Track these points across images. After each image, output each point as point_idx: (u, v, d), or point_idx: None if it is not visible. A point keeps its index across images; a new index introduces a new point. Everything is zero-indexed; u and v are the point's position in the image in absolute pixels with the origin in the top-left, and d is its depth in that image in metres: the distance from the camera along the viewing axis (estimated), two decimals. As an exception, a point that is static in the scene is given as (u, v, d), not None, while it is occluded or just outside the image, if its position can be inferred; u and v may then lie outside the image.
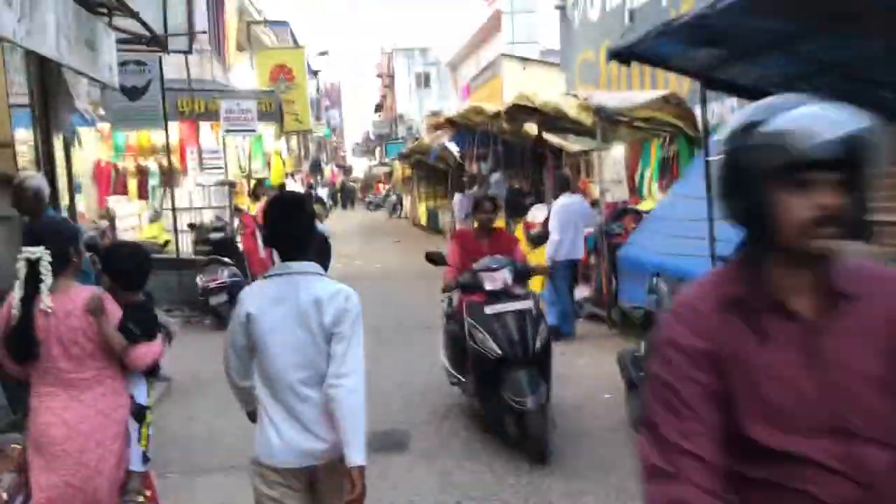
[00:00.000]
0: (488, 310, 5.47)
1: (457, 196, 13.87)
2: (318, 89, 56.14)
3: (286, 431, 2.78)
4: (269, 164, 22.18)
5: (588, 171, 12.90)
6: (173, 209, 11.37)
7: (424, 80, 60.75)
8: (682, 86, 10.33)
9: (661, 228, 8.10)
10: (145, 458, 3.54)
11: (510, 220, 13.16)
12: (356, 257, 18.91)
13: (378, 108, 70.06)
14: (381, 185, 49.03)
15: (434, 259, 6.52)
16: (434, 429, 5.96)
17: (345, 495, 2.67)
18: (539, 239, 10.26)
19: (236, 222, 13.76)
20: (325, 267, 11.27)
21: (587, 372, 7.26)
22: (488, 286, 5.59)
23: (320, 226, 11.68)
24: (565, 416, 5.95)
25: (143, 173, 16.10)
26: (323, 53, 39.94)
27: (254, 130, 15.13)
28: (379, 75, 70.31)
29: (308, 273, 2.90)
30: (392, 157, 40.10)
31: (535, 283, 11.64)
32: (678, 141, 9.62)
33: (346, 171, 68.04)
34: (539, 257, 11.43)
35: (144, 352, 3.41)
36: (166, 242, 11.92)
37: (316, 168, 48.81)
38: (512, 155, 13.20)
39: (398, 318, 10.61)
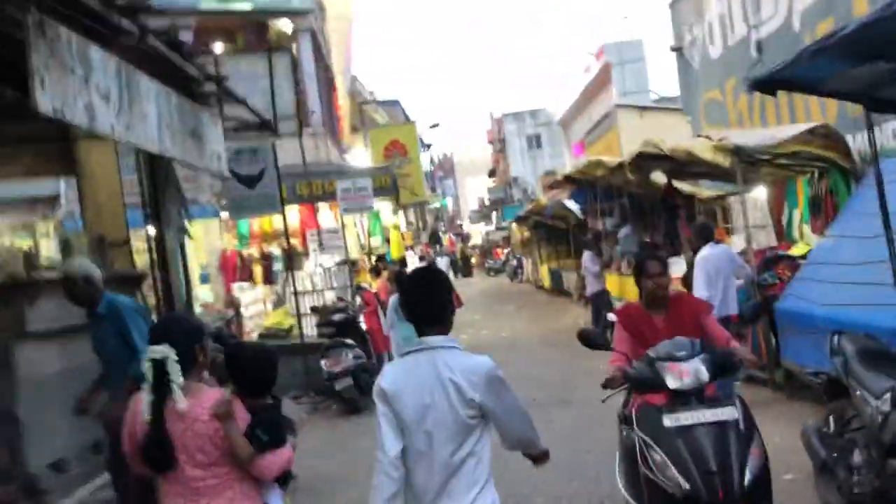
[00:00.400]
0: (669, 421, 3.78)
1: (586, 254, 13.14)
2: (431, 161, 57.27)
3: None
4: (387, 239, 22.22)
5: (725, 217, 11.90)
6: (295, 293, 11.26)
7: (536, 142, 60.85)
8: (827, 115, 9.33)
9: (824, 276, 7.10)
10: None
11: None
12: (482, 326, 18.35)
13: (492, 173, 70.53)
14: (500, 250, 48.61)
15: (591, 340, 4.45)
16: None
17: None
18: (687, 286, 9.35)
19: (358, 301, 13.55)
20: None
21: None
22: (671, 383, 3.85)
23: None
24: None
25: (267, 259, 16.35)
26: (434, 126, 40.49)
27: (371, 207, 15.11)
28: (490, 142, 71.02)
29: (444, 347, 2.90)
30: (509, 221, 39.70)
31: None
32: (830, 175, 8.60)
33: (464, 238, 68.34)
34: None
35: (273, 460, 3.11)
36: (290, 328, 11.79)
37: (434, 238, 49.21)
38: (638, 208, 12.39)
39: (530, 392, 9.88)
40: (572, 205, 15.68)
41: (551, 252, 25.98)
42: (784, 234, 9.74)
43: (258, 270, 16.18)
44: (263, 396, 3.36)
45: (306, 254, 15.31)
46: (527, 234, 32.93)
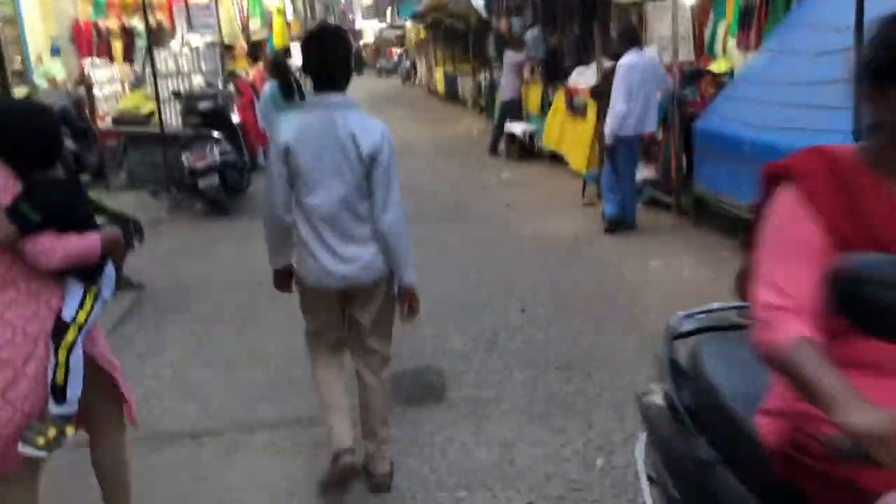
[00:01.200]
0: None
1: (509, 54, 11.80)
2: (324, -55, 52.25)
3: (324, 258, 2.95)
4: (270, 24, 20.02)
5: (642, 25, 10.93)
6: (154, 74, 9.65)
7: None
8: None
9: (754, 95, 6.39)
10: (58, 394, 2.47)
11: (548, 86, 11.35)
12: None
13: (389, -34, 65.70)
14: (393, 50, 46.14)
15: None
16: (477, 368, 4.50)
17: (401, 310, 3.11)
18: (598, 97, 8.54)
19: (231, 89, 12.02)
20: None
21: (666, 278, 5.77)
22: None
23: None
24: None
25: (127, 34, 14.23)
26: None
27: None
28: (389, -72, 65.55)
29: (343, 107, 2.92)
30: (405, 19, 37.23)
31: (578, 160, 10.08)
32: (768, -16, 7.69)
33: (356, 35, 64.46)
34: (584, 131, 9.79)
35: (51, 247, 2.42)
36: (151, 113, 10.26)
37: (324, 31, 45.99)
38: (550, 8, 11.19)
39: (420, 206, 9.08)
40: (478, 1, 14.24)
41: (448, 56, 24.46)
42: (704, 48, 8.92)
43: (117, 46, 14.12)
44: (43, 168, 2.54)
45: (173, 31, 13.35)
46: (423, 34, 30.92)
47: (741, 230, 6.22)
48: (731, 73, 7.82)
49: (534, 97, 11.71)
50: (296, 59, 21.82)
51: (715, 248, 6.34)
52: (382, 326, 3.14)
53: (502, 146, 12.24)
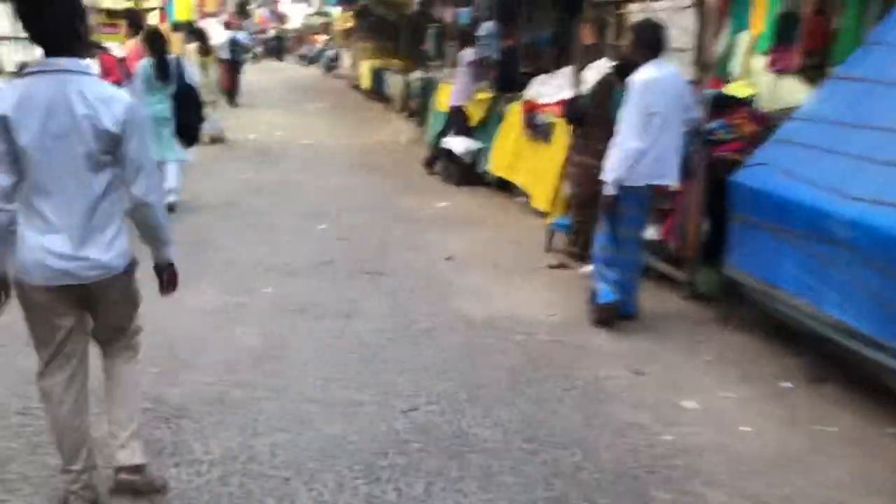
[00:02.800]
0: None
1: (467, 52, 9.35)
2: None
3: (53, 248, 2.52)
4: (170, -7, 17.09)
5: (617, 31, 8.84)
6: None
7: (373, -79, 53.94)
8: None
9: (824, 140, 4.29)
10: None
11: (500, 97, 9.09)
12: (278, 126, 14.54)
13: (319, -51, 62.55)
14: (317, 38, 43.16)
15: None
16: None
17: (160, 285, 2.82)
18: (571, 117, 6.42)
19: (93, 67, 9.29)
20: (193, 126, 7.47)
21: (726, 442, 3.56)
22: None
23: (190, 73, 7.68)
24: None
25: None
26: None
27: (130, -68, 10.39)
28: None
29: (78, 72, 2.49)
30: (332, 4, 34.46)
31: (541, 197, 7.86)
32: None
33: (281, 18, 60.95)
34: (549, 161, 7.59)
35: None
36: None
37: (242, 10, 42.57)
38: None
39: (322, 248, 6.71)
40: (415, -14, 11.92)
41: (376, 49, 21.99)
42: (711, 67, 6.84)
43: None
44: None
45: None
46: (350, 23, 28.31)
47: (808, 348, 4.09)
48: (749, 102, 5.77)
49: (479, 108, 9.43)
50: (213, 38, 18.90)
51: (773, 370, 4.20)
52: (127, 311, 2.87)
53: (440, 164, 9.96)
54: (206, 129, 12.40)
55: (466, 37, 9.63)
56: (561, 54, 9.33)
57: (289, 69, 34.67)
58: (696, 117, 5.00)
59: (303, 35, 48.65)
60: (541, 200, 7.67)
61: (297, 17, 61.86)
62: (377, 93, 20.09)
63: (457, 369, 4.15)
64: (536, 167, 7.94)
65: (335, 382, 3.93)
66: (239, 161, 10.74)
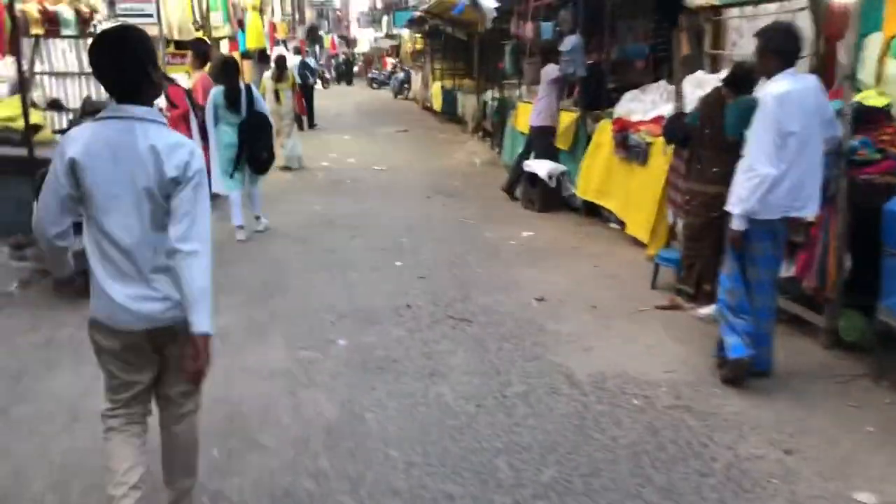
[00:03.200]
0: None
1: (549, 67, 8.70)
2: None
3: (121, 291, 2.48)
4: (241, 22, 17.05)
5: (718, 39, 8.03)
6: (20, 72, 6.66)
7: (440, -58, 54.00)
8: None
9: None
10: None
11: (586, 115, 8.40)
12: (350, 152, 14.15)
13: (387, -27, 63.03)
14: (387, 60, 43.22)
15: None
16: None
17: (187, 363, 2.50)
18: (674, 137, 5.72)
19: (162, 102, 9.03)
20: (263, 154, 7.40)
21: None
22: None
23: (261, 102, 7.54)
24: None
25: (51, 20, 11.17)
26: None
27: (199, -39, 10.17)
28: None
29: (146, 119, 2.45)
30: (401, 27, 34.37)
31: (639, 225, 7.17)
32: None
33: (350, 42, 61.68)
34: (647, 185, 6.86)
35: None
36: (33, 128, 7.25)
37: (313, 35, 43.02)
38: (596, 12, 8.17)
39: (400, 286, 6.14)
40: (487, 3, 11.30)
41: (447, 69, 21.54)
42: (834, 77, 5.99)
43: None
44: None
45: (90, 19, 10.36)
46: (419, 44, 28.07)
47: None
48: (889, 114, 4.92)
49: (565, 129, 8.75)
50: (273, 64, 18.82)
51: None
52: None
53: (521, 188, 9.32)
54: (285, 155, 12.32)
55: (548, 53, 8.97)
56: (653, 66, 8.59)
57: (359, 93, 34.67)
58: (838, 135, 4.22)
59: (371, 58, 48.97)
60: (638, 229, 6.93)
61: (365, 41, 62.67)
62: (449, 114, 19.63)
63: (564, 448, 3.47)
64: (631, 191, 7.21)
65: (421, 468, 3.30)
66: (310, 191, 10.33)
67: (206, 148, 8.80)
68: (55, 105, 7.19)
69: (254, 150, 7.36)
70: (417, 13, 21.95)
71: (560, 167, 8.70)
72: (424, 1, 24.66)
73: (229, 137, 7.32)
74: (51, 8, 10.84)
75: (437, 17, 18.68)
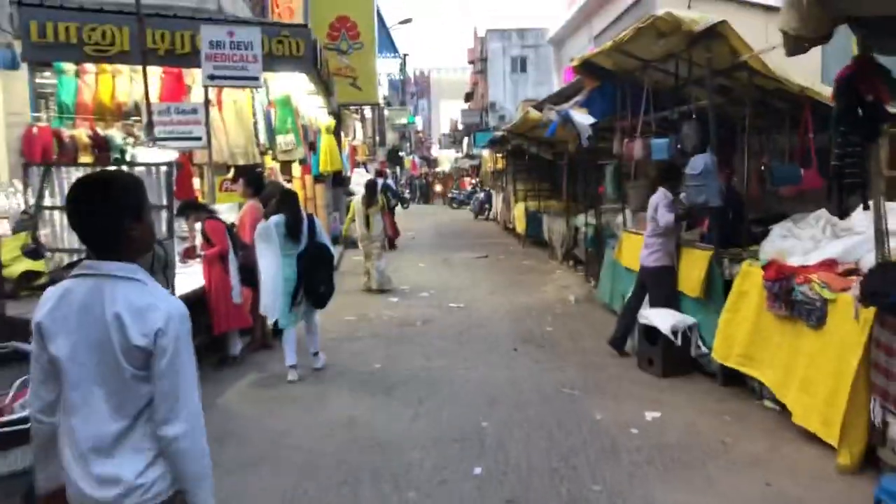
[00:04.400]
0: None
1: (659, 194, 6.96)
2: (402, 69, 50.60)
3: (78, 477, 2.19)
4: (312, 144, 16.12)
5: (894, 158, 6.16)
6: (28, 206, 5.34)
7: (521, 65, 54.55)
8: None
9: None
10: None
11: (722, 254, 6.52)
12: (424, 283, 12.54)
13: (468, 97, 63.96)
14: (467, 180, 42.54)
15: None
16: None
17: None
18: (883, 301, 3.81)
19: (191, 242, 7.68)
20: (322, 288, 6.97)
21: None
22: None
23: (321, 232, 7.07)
24: None
25: (100, 146, 10.21)
26: (406, 22, 33.76)
27: (255, 78, 9.03)
28: (471, 61, 64.35)
29: (121, 276, 2.19)
30: (481, 146, 33.62)
31: (817, 418, 5.08)
32: None
33: (431, 163, 62.02)
34: (828, 358, 4.88)
35: None
36: (24, 276, 5.86)
37: (394, 157, 42.93)
38: (726, 124, 6.45)
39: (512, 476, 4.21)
40: (583, 119, 9.76)
41: (530, 189, 20.14)
42: None
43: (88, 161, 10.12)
44: None
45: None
46: (500, 163, 26.95)
47: None
48: None
49: (693, 270, 6.88)
50: (355, 186, 17.81)
51: None
52: None
53: (632, 342, 7.40)
54: (377, 279, 11.77)
55: (668, 174, 7.22)
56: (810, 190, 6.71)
57: (437, 213, 33.69)
58: None
59: (447, 177, 48.49)
60: (813, 420, 4.90)
61: (446, 162, 62.94)
62: (533, 237, 18.02)
63: None
64: (797, 364, 5.22)
65: None
66: (371, 337, 8.64)
67: (253, 289, 7.38)
68: (33, 253, 5.80)
69: (312, 283, 6.86)
70: (500, 132, 20.80)
71: (687, 320, 6.77)
72: (502, 125, 23.72)
73: (289, 270, 6.81)
74: (102, 132, 9.90)
75: (520, 136, 17.39)
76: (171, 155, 7.63)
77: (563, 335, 8.62)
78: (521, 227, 19.32)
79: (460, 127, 61.07)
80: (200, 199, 9.31)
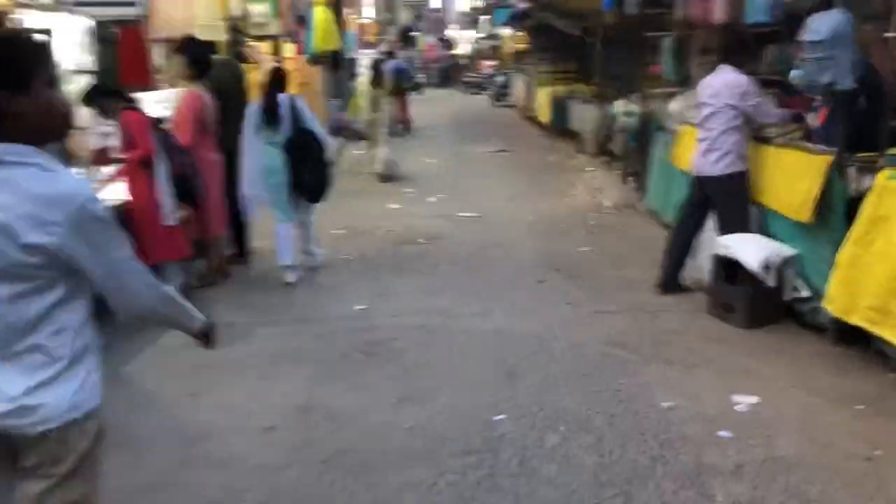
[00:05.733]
0: None
1: (739, 75, 4.82)
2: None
3: None
4: (300, 18, 13.86)
5: None
6: None
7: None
8: None
9: None
10: None
11: (845, 162, 4.52)
12: (433, 185, 10.59)
13: (488, -29, 59.65)
14: (483, 63, 39.54)
15: None
16: None
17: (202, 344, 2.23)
18: None
19: (103, 134, 5.71)
20: (313, 181, 6.21)
21: None
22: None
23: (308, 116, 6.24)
24: None
25: None
26: None
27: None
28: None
29: (12, 162, 1.81)
30: (500, 24, 30.72)
31: None
32: None
33: (448, 44, 58.42)
34: None
35: None
36: None
37: (406, 36, 39.87)
38: None
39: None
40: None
41: (556, 72, 17.73)
42: None
43: None
44: None
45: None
46: (522, 44, 24.40)
47: None
48: None
49: (798, 181, 4.89)
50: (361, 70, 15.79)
51: None
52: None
53: (686, 275, 5.54)
54: (383, 166, 10.89)
55: (738, 47, 5.12)
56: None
57: (454, 98, 31.18)
58: None
59: (467, 61, 45.34)
60: None
61: (466, 44, 59.25)
62: (558, 126, 15.84)
63: None
64: None
65: None
66: (359, 262, 6.84)
67: (194, 207, 5.61)
68: None
69: (298, 175, 6.09)
70: (521, 5, 18.24)
71: (783, 251, 4.86)
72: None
73: (269, 159, 6.06)
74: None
75: (545, 7, 14.96)
76: (80, 23, 5.61)
77: (602, 259, 6.75)
78: (544, 115, 17.05)
79: (482, 3, 57.20)
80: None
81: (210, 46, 6.69)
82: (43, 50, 1.92)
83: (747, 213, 5.22)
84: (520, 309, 5.43)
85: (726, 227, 5.20)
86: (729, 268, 5.04)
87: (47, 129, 1.89)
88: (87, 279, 1.88)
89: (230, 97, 6.52)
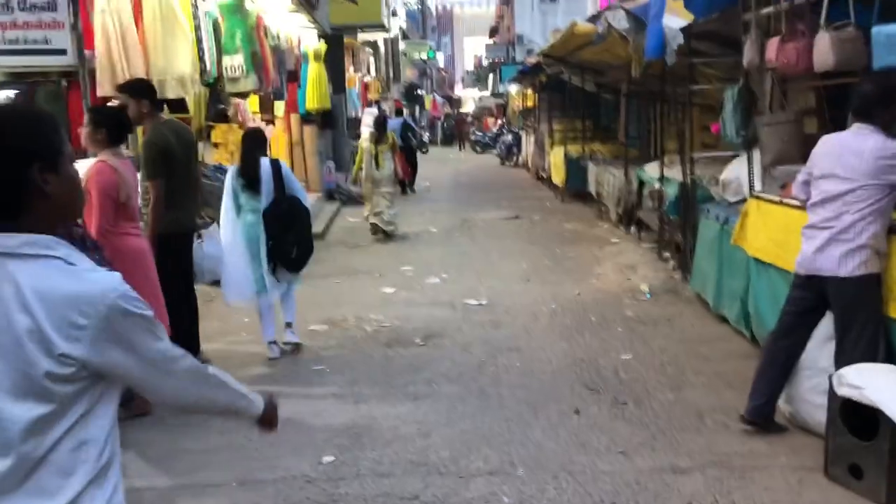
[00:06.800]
0: None
1: (880, 137, 3.41)
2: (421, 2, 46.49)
3: None
4: (292, 73, 12.61)
5: None
6: None
7: (550, -7, 50.20)
8: None
9: None
10: None
11: None
12: (434, 261, 9.10)
13: (493, 32, 59.59)
14: (489, 121, 38.55)
15: None
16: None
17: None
18: None
19: None
20: (295, 250, 5.87)
21: None
22: None
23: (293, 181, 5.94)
24: None
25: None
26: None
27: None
28: (496, -8, 59.91)
29: (29, 255, 1.51)
30: (508, 80, 29.67)
31: None
32: None
33: (453, 102, 57.82)
34: None
35: None
36: None
37: (411, 94, 39.01)
38: None
39: None
40: (675, 22, 6.08)
41: (569, 129, 16.41)
42: None
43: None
44: None
45: None
46: (531, 100, 23.17)
47: None
48: None
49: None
50: (365, 129, 14.56)
51: None
52: None
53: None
54: (387, 221, 10.66)
55: (880, 100, 3.65)
56: None
57: (460, 157, 29.97)
58: None
59: (476, 117, 44.40)
60: None
61: (470, 101, 58.70)
62: (574, 187, 14.42)
63: None
64: None
65: None
66: (333, 379, 5.30)
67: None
68: None
69: (282, 245, 5.68)
70: (532, 60, 17.06)
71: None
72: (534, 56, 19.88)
73: (251, 228, 5.65)
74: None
75: (559, 61, 13.68)
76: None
77: (652, 372, 5.19)
78: (558, 176, 15.65)
79: (485, 63, 56.75)
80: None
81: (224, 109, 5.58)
82: (59, 123, 1.61)
83: (880, 330, 3.69)
84: (551, 465, 3.86)
85: (850, 348, 3.67)
86: (856, 413, 3.48)
87: (71, 210, 1.65)
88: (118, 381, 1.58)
89: (181, 168, 5.15)
